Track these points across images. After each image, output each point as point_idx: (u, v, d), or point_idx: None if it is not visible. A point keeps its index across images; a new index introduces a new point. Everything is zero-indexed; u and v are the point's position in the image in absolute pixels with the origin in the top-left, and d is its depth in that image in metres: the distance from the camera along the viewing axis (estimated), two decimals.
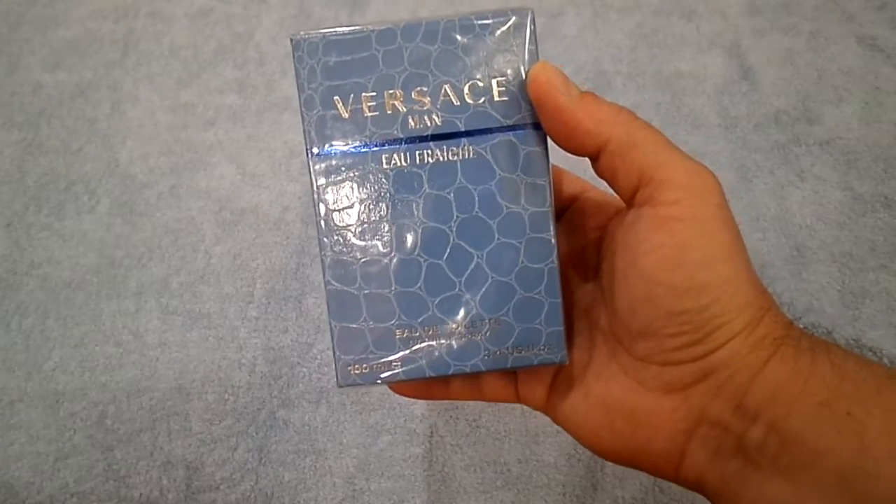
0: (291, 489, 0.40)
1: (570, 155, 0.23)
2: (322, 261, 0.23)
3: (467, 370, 0.23)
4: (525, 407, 0.40)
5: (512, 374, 0.26)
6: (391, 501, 0.39)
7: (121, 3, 0.55)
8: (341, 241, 0.23)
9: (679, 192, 0.21)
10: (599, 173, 0.23)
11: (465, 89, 0.23)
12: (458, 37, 0.23)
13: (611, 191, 0.24)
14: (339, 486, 0.40)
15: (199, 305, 0.44)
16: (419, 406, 0.41)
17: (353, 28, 0.23)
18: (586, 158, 0.23)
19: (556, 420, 0.26)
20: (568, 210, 0.28)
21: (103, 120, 0.51)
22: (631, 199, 0.22)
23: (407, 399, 0.41)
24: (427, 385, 0.27)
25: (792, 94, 0.48)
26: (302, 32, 0.23)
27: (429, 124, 0.23)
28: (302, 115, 0.23)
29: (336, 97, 0.23)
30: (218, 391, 0.42)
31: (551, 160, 0.24)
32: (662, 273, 0.21)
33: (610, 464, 0.39)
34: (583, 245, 0.26)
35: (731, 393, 0.21)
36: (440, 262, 0.23)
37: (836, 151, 0.46)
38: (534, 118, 0.23)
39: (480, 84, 0.23)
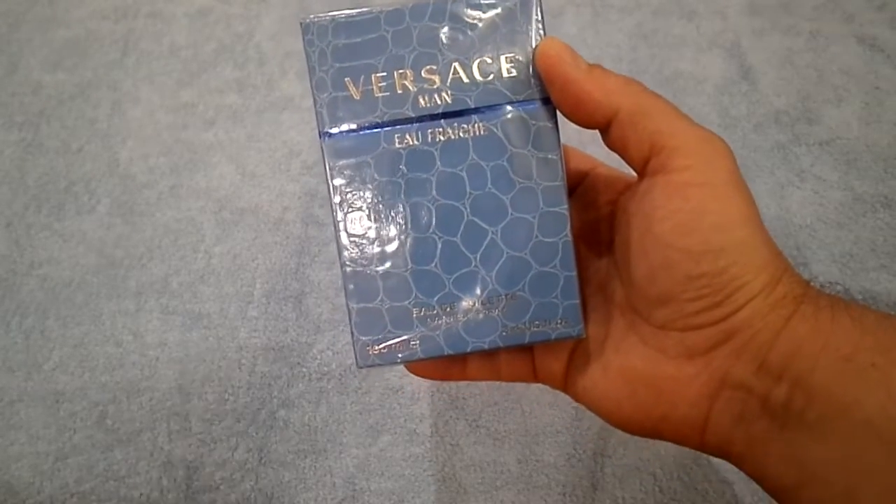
0: (291, 489, 0.40)
1: (578, 134, 0.23)
2: (337, 242, 0.23)
3: (485, 347, 0.23)
4: (525, 407, 0.41)
5: (529, 353, 0.26)
6: (391, 501, 0.39)
7: (121, 3, 0.55)
8: (356, 221, 0.23)
9: (691, 159, 0.21)
10: (610, 145, 0.23)
11: (474, 67, 0.23)
12: (466, 15, 0.23)
13: (620, 166, 0.24)
14: (339, 486, 0.40)
15: (199, 305, 0.44)
16: (419, 406, 0.41)
17: (361, 10, 0.23)
18: (592, 139, 0.23)
19: (575, 397, 0.25)
20: (578, 187, 0.27)
21: (103, 120, 0.51)
22: (643, 169, 0.23)
23: (407, 399, 0.41)
24: (445, 365, 0.27)
25: (792, 94, 0.48)
26: (311, 16, 0.23)
27: (439, 102, 0.23)
28: (314, 98, 0.23)
29: (347, 78, 0.23)
30: (218, 391, 0.42)
31: (570, 141, 0.24)
32: (679, 238, 0.21)
33: (610, 464, 0.39)
34: (595, 221, 0.26)
35: (753, 353, 0.21)
36: (455, 239, 0.23)
37: (836, 151, 0.46)
38: (543, 94, 0.23)
39: (489, 61, 0.23)
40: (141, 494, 0.40)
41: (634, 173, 0.24)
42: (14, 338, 0.44)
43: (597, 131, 0.24)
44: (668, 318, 0.22)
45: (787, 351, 0.20)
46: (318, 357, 0.42)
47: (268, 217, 0.47)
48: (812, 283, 0.22)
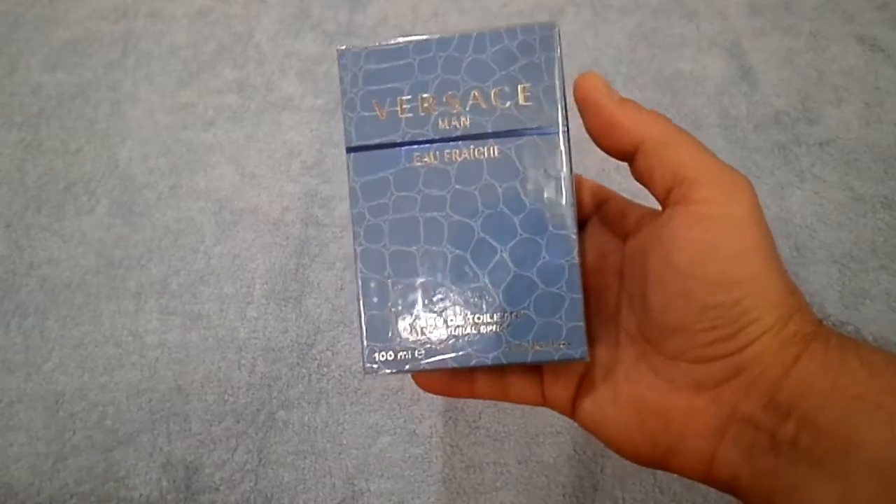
0: (291, 490, 0.40)
1: (601, 162, 0.24)
2: (355, 250, 0.25)
3: (488, 362, 0.24)
4: (525, 407, 0.41)
5: (538, 376, 0.27)
6: (391, 502, 0.39)
7: (120, 3, 0.55)
8: (373, 232, 0.25)
9: (712, 191, 0.22)
10: (636, 175, 0.24)
11: (493, 94, 0.24)
12: (489, 47, 0.24)
13: (640, 199, 0.24)
14: (338, 486, 0.40)
15: (199, 306, 0.44)
16: (419, 407, 0.41)
17: (393, 40, 0.25)
18: (616, 169, 0.24)
19: (583, 424, 0.26)
20: (594, 217, 0.28)
21: (103, 120, 0.51)
22: (665, 199, 0.23)
23: (407, 399, 0.41)
24: (452, 381, 0.27)
25: (792, 94, 0.48)
26: (347, 45, 0.25)
27: (458, 126, 0.25)
28: (344, 116, 0.25)
29: (374, 101, 0.25)
30: (217, 392, 0.42)
31: (588, 174, 0.24)
32: (696, 268, 0.21)
33: (610, 464, 0.39)
34: (609, 251, 0.27)
35: (762, 390, 0.21)
36: (465, 254, 0.24)
37: (836, 151, 0.46)
38: (556, 122, 0.24)
39: (507, 90, 0.24)
40: (140, 495, 0.40)
41: (651, 205, 0.25)
42: (13, 338, 0.44)
43: (618, 164, 0.24)
44: (680, 349, 0.22)
45: (796, 389, 0.21)
46: (318, 358, 0.42)
47: (267, 217, 0.47)
48: (824, 322, 0.22)
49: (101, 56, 0.53)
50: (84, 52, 0.53)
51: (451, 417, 0.41)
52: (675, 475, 0.39)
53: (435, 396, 0.41)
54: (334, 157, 0.48)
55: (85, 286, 0.45)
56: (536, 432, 0.40)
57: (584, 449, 0.40)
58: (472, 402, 0.41)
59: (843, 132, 0.47)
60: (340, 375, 0.42)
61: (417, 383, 0.28)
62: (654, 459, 0.24)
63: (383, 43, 0.25)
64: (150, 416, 0.42)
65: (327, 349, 0.43)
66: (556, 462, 0.39)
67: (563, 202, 0.24)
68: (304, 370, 0.42)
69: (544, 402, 0.27)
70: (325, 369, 0.42)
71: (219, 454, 0.41)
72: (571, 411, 0.26)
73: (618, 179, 0.43)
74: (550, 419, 0.40)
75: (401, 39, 0.25)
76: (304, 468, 0.40)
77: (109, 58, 0.53)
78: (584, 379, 0.26)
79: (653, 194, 0.24)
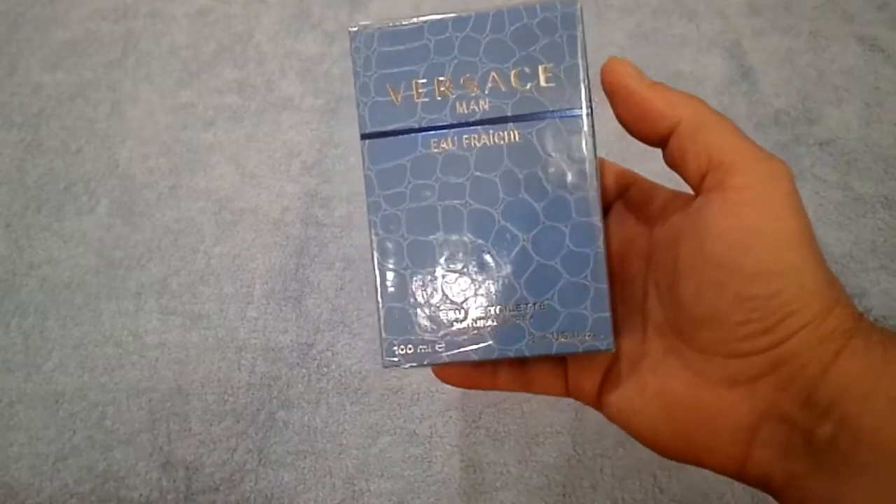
0: (291, 490, 0.40)
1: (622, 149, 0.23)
2: (371, 241, 0.24)
3: (511, 354, 0.23)
4: (525, 407, 0.41)
5: (561, 367, 0.26)
6: (391, 502, 0.39)
7: (120, 3, 0.55)
8: (390, 222, 0.24)
9: (749, 177, 0.21)
10: (669, 160, 0.23)
11: (513, 76, 0.23)
12: (507, 26, 0.23)
13: (668, 181, 0.23)
14: (338, 486, 0.40)
15: (199, 306, 0.44)
16: (419, 407, 0.41)
17: (407, 20, 0.24)
18: (639, 155, 0.23)
19: (608, 415, 0.25)
20: (617, 202, 0.27)
21: (103, 120, 0.51)
22: (699, 185, 0.22)
23: (407, 399, 0.41)
24: (475, 374, 0.26)
25: (792, 94, 0.48)
26: (360, 24, 0.24)
27: (477, 109, 0.23)
28: (357, 102, 0.24)
29: (389, 84, 0.24)
30: (217, 392, 0.42)
31: (614, 157, 0.24)
32: (731, 257, 0.21)
33: (609, 465, 0.39)
34: (634, 237, 0.25)
35: (800, 386, 0.20)
36: (486, 244, 0.23)
37: (836, 151, 0.46)
38: (580, 104, 0.23)
39: (527, 71, 0.23)
40: (140, 495, 0.40)
41: (677, 188, 0.24)
42: (13, 338, 0.44)
43: (644, 149, 0.24)
44: (713, 342, 0.22)
45: (835, 388, 0.20)
46: (318, 358, 0.42)
47: (267, 217, 0.47)
48: (865, 316, 0.21)
49: (101, 56, 0.53)
50: (84, 52, 0.53)
51: (450, 418, 0.41)
52: (675, 475, 0.40)
53: (434, 396, 0.41)
54: (334, 157, 0.48)
55: (85, 286, 0.45)
56: (536, 432, 0.40)
57: (583, 449, 0.40)
58: (471, 401, 0.41)
59: (843, 132, 0.47)
60: (340, 375, 0.42)
61: (438, 376, 0.27)
62: (685, 455, 0.23)
63: (397, 23, 0.24)
64: (150, 416, 0.42)
65: (327, 349, 0.43)
66: (556, 462, 0.39)
67: (588, 188, 0.23)
68: (304, 370, 0.42)
69: (568, 393, 0.26)
70: (325, 369, 0.42)
71: (219, 454, 0.41)
72: (597, 403, 0.25)
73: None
74: (550, 419, 0.40)
75: (415, 20, 0.24)
76: (304, 468, 0.40)
77: (109, 58, 0.53)
78: (610, 370, 0.25)
79: (685, 179, 0.23)
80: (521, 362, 0.26)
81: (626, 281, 0.25)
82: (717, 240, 0.21)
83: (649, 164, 0.26)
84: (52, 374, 0.43)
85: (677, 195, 0.24)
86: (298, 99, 0.50)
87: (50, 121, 0.51)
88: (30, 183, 0.49)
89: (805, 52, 0.50)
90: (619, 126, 0.24)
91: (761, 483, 0.22)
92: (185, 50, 0.53)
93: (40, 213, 0.48)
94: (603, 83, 0.23)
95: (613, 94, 0.23)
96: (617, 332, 0.24)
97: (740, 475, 0.22)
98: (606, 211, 0.26)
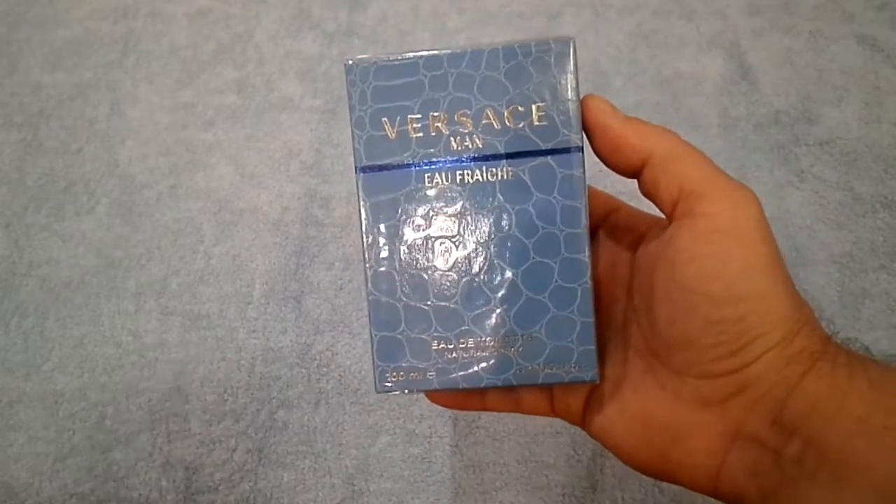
0: (290, 490, 0.40)
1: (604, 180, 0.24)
2: (365, 271, 0.24)
3: (499, 384, 0.24)
4: None
5: (548, 390, 0.27)
6: (390, 502, 0.39)
7: (120, 3, 0.55)
8: (384, 253, 0.24)
9: (718, 205, 0.22)
10: (643, 190, 0.24)
11: (506, 113, 0.24)
12: (502, 64, 0.24)
13: (648, 210, 0.24)
14: (338, 486, 0.40)
15: (199, 306, 0.44)
16: (418, 407, 0.41)
17: (402, 55, 0.24)
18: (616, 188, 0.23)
19: (592, 434, 0.26)
20: (601, 227, 0.28)
21: (102, 120, 0.51)
22: (672, 213, 0.23)
23: (406, 399, 0.41)
24: (463, 396, 0.28)
25: (792, 94, 0.48)
26: (356, 57, 0.24)
27: (470, 146, 0.24)
28: (352, 135, 0.24)
29: (384, 119, 0.24)
30: (217, 392, 0.42)
31: (604, 177, 0.24)
32: (701, 283, 0.21)
33: (609, 465, 0.39)
34: (616, 262, 0.26)
35: (767, 407, 0.21)
36: (477, 277, 0.24)
37: (836, 151, 0.46)
38: (571, 143, 0.24)
39: (521, 109, 0.24)
40: (140, 495, 0.40)
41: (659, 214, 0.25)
42: (13, 338, 0.44)
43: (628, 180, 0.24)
44: (686, 364, 0.22)
45: (802, 408, 0.20)
46: (318, 358, 0.42)
47: (267, 217, 0.47)
48: (833, 339, 0.22)
49: (101, 56, 0.53)
50: (84, 52, 0.53)
51: (450, 418, 0.41)
52: None
53: None
54: (334, 157, 0.48)
55: (85, 286, 0.45)
56: (536, 432, 0.40)
57: (583, 449, 0.40)
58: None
59: (843, 132, 0.47)
60: (340, 375, 0.42)
61: (429, 399, 0.28)
62: (662, 472, 0.24)
63: (393, 57, 0.24)
64: (150, 416, 0.42)
65: (327, 349, 0.43)
66: (556, 462, 0.39)
67: (577, 225, 0.24)
68: (303, 370, 0.42)
69: (555, 413, 0.27)
70: (324, 369, 0.42)
71: (218, 454, 0.41)
72: (582, 423, 0.26)
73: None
74: (550, 420, 0.40)
75: (410, 54, 0.24)
76: (303, 468, 0.40)
77: (109, 58, 0.53)
78: (594, 392, 0.26)
79: (659, 208, 0.24)
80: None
81: (610, 304, 0.26)
82: (688, 265, 0.22)
83: (635, 183, 0.27)
84: (52, 374, 0.43)
85: (657, 222, 0.25)
86: (298, 99, 0.50)
87: (50, 121, 0.51)
88: (30, 183, 0.49)
89: (805, 52, 0.50)
90: None
91: (735, 499, 0.22)
92: (184, 50, 0.53)
93: (40, 213, 0.48)
94: (582, 118, 0.24)
95: (589, 129, 0.24)
96: (601, 359, 0.25)
97: (714, 492, 0.23)
98: (591, 235, 0.27)
